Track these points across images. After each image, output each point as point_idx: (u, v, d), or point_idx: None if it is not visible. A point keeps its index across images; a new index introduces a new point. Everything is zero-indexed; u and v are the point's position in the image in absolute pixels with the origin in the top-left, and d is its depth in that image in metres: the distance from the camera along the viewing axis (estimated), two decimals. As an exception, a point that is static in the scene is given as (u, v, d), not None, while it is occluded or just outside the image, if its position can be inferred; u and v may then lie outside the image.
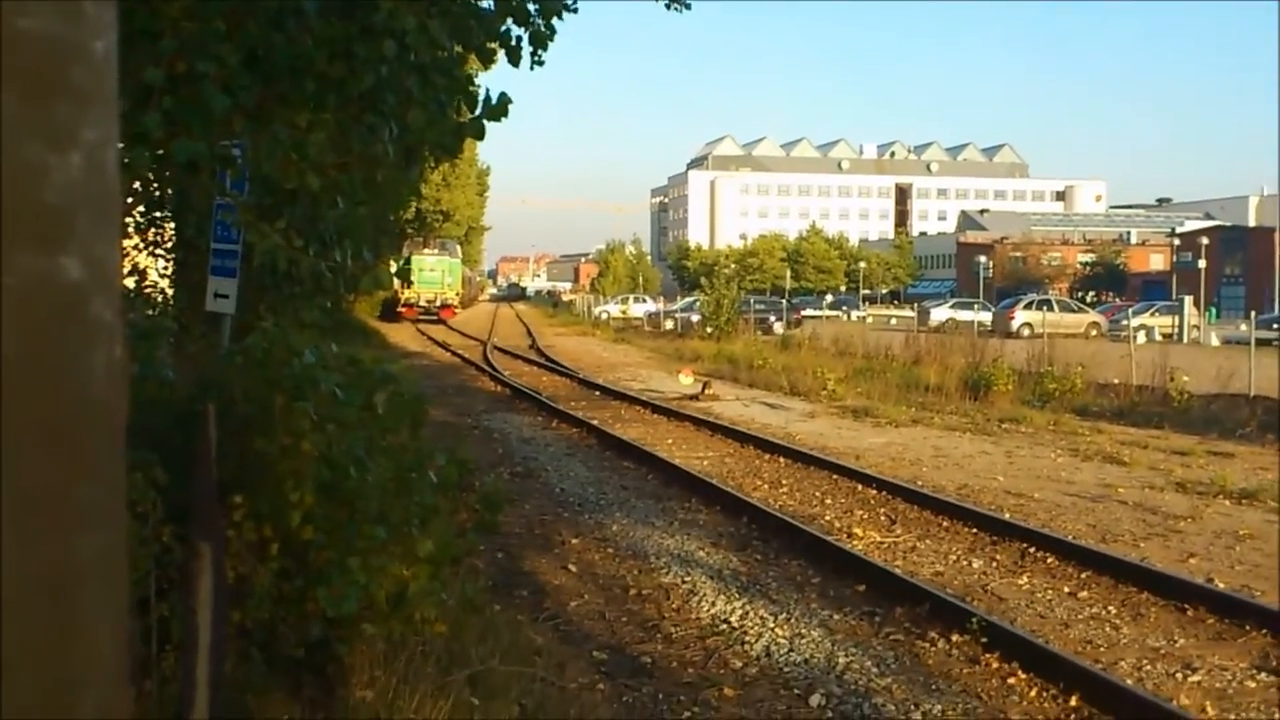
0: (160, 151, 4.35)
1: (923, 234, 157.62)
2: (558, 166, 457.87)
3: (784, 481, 13.95)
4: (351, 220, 7.20)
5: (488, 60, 5.41)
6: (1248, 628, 8.08)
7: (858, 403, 22.55)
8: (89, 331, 0.65)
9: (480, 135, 5.17)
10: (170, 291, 11.51)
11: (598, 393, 24.93)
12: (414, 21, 4.46)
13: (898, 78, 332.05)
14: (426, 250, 59.99)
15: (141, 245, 10.69)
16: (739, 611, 8.49)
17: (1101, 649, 7.78)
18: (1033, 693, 6.86)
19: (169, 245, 11.22)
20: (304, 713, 5.05)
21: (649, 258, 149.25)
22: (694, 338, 43.90)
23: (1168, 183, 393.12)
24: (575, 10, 5.83)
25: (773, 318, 51.56)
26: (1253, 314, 29.19)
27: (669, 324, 56.80)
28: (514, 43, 5.26)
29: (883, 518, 11.87)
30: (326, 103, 4.65)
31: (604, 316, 67.79)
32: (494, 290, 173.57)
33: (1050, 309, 49.47)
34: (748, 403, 23.20)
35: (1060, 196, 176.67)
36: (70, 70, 0.62)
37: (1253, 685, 7.10)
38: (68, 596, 0.67)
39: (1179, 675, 7.26)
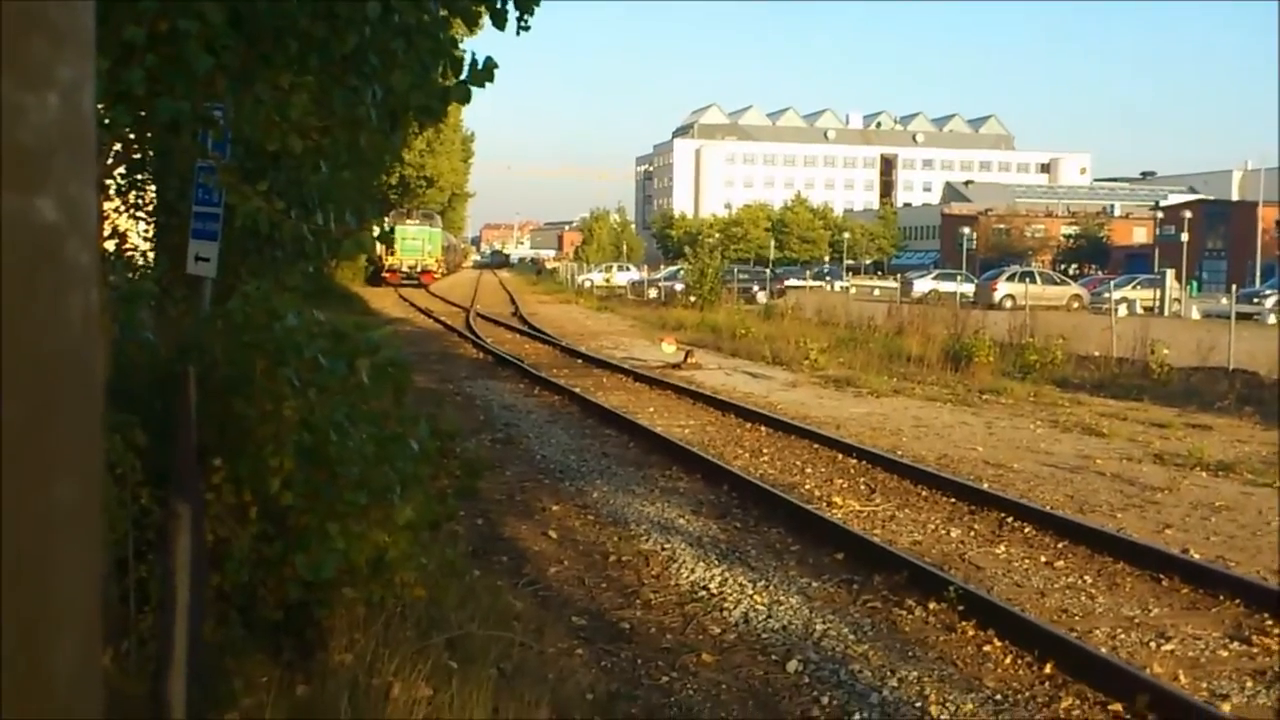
0: (142, 111, 4.31)
1: (907, 205, 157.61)
2: (543, 134, 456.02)
3: (765, 450, 13.99)
4: (334, 184, 7.18)
5: (472, 23, 5.38)
6: (1221, 598, 8.15)
7: (839, 373, 22.60)
8: (65, 274, 0.65)
9: (465, 100, 5.14)
10: (151, 255, 11.44)
11: (580, 360, 24.93)
12: (398, -18, 4.44)
13: (885, 48, 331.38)
14: (409, 221, 63.70)
15: (122, 208, 10.61)
16: (718, 578, 8.53)
17: (1077, 618, 7.85)
18: (1008, 660, 6.92)
19: (150, 208, 11.13)
20: (283, 675, 5.06)
21: (633, 226, 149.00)
22: (677, 307, 43.88)
23: (1152, 156, 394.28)
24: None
25: (756, 287, 51.64)
26: (1234, 288, 29.36)
27: (652, 293, 56.79)
28: (499, 5, 5.23)
29: (862, 487, 11.92)
30: (309, 64, 4.62)
31: (587, 284, 67.80)
32: (477, 257, 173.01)
33: (1033, 281, 49.58)
34: (730, 372, 23.23)
35: (1045, 169, 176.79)
36: (46, 8, 0.62)
37: (1225, 654, 7.18)
38: (42, 544, 0.67)
39: (1152, 644, 7.33)
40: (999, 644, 7.14)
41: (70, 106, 0.64)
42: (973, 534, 10.04)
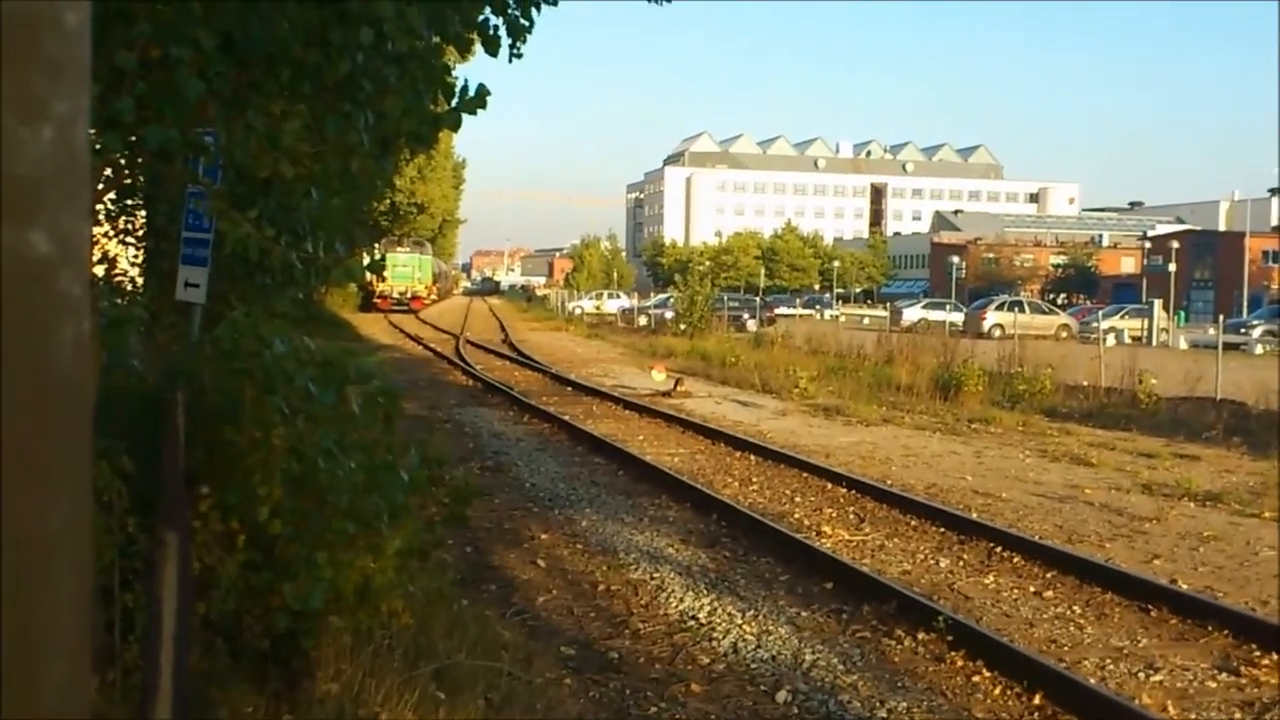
0: (133, 137, 4.31)
1: (897, 234, 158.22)
2: (534, 161, 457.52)
3: (754, 479, 13.98)
4: (325, 211, 7.18)
5: (465, 50, 5.40)
6: (1210, 628, 8.15)
7: (829, 401, 22.62)
8: (57, 306, 0.65)
9: (456, 126, 5.16)
10: (140, 280, 11.43)
11: (570, 388, 24.91)
12: (391, 9, 4.44)
13: (875, 78, 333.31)
14: (400, 248, 65.67)
15: (112, 233, 10.61)
16: (707, 608, 8.51)
17: (1065, 648, 7.84)
18: (997, 691, 6.91)
19: (140, 233, 11.13)
20: (269, 705, 5.02)
21: (624, 254, 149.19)
22: (667, 334, 43.91)
23: (1140, 186, 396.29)
24: (554, 3, 5.81)
25: (746, 315, 51.66)
26: (1221, 318, 29.45)
27: (642, 320, 56.84)
28: (491, 33, 5.25)
29: (851, 516, 11.91)
30: (301, 90, 4.63)
31: (578, 312, 67.88)
32: (467, 284, 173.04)
33: (1021, 310, 49.79)
34: (720, 400, 23.23)
35: (1034, 198, 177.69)
36: (42, 40, 0.62)
37: (1214, 685, 7.17)
38: (37, 565, 0.67)
39: (1141, 675, 7.32)
40: (988, 674, 7.12)
41: (64, 139, 0.64)
42: (962, 563, 10.03)
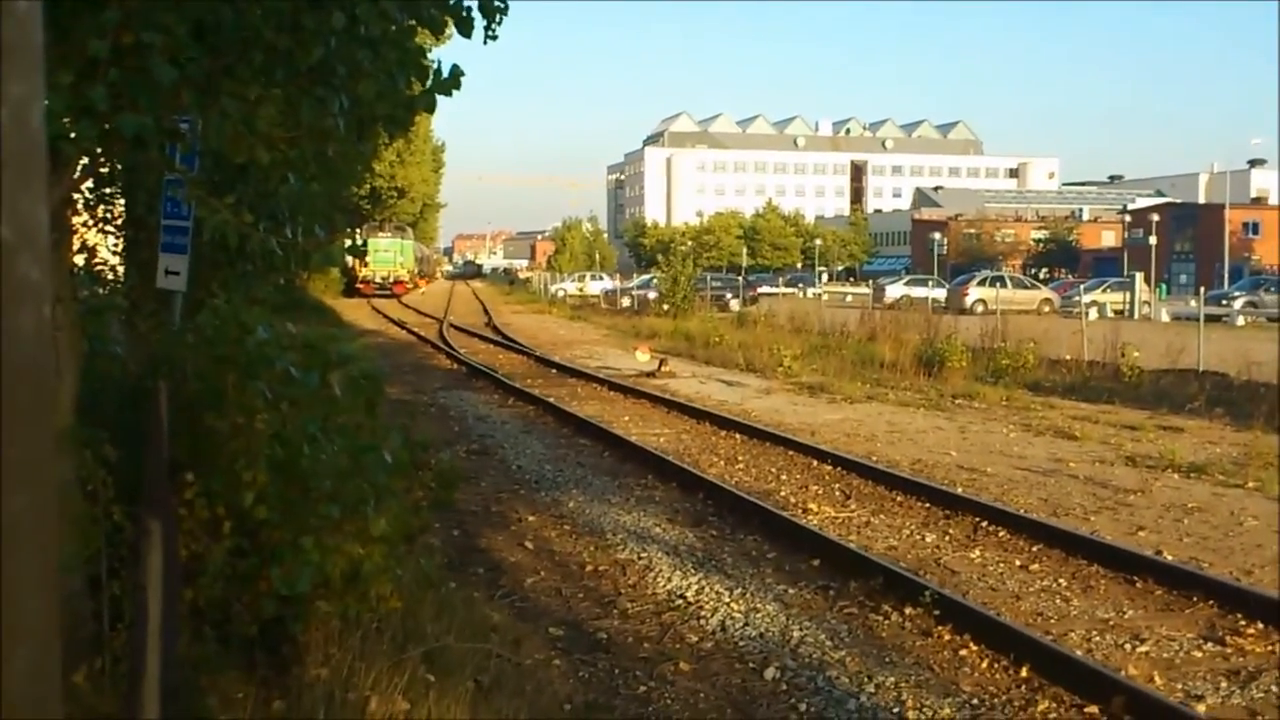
0: (107, 125, 4.28)
1: (878, 211, 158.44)
2: (514, 143, 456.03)
3: (740, 458, 14.00)
4: (304, 196, 7.15)
5: (439, 32, 5.37)
6: (1195, 599, 8.20)
7: (813, 379, 22.65)
8: (16, 291, 0.64)
9: (431, 108, 5.14)
10: (121, 269, 11.36)
11: (554, 370, 24.90)
12: (363, -8, 4.43)
13: (853, 54, 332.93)
14: (381, 232, 66.04)
15: (91, 222, 10.54)
16: (695, 587, 8.53)
17: (1052, 621, 7.88)
18: (984, 664, 6.94)
19: (119, 222, 11.06)
20: (258, 691, 5.02)
21: (606, 235, 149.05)
22: (651, 315, 43.90)
23: (1120, 160, 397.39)
24: (528, -16, 5.78)
25: (729, 295, 51.69)
26: (1202, 290, 29.55)
27: (626, 301, 56.84)
28: (465, 14, 5.22)
29: (837, 493, 11.94)
30: (275, 75, 4.60)
31: (561, 294, 67.86)
32: (449, 268, 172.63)
33: (1003, 285, 49.91)
34: (704, 379, 23.25)
35: (1014, 174, 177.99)
36: (-11, 22, 0.61)
37: (1199, 655, 7.22)
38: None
39: (1128, 646, 7.36)
40: (975, 648, 7.15)
41: (18, 123, 0.63)
42: (948, 538, 10.06)
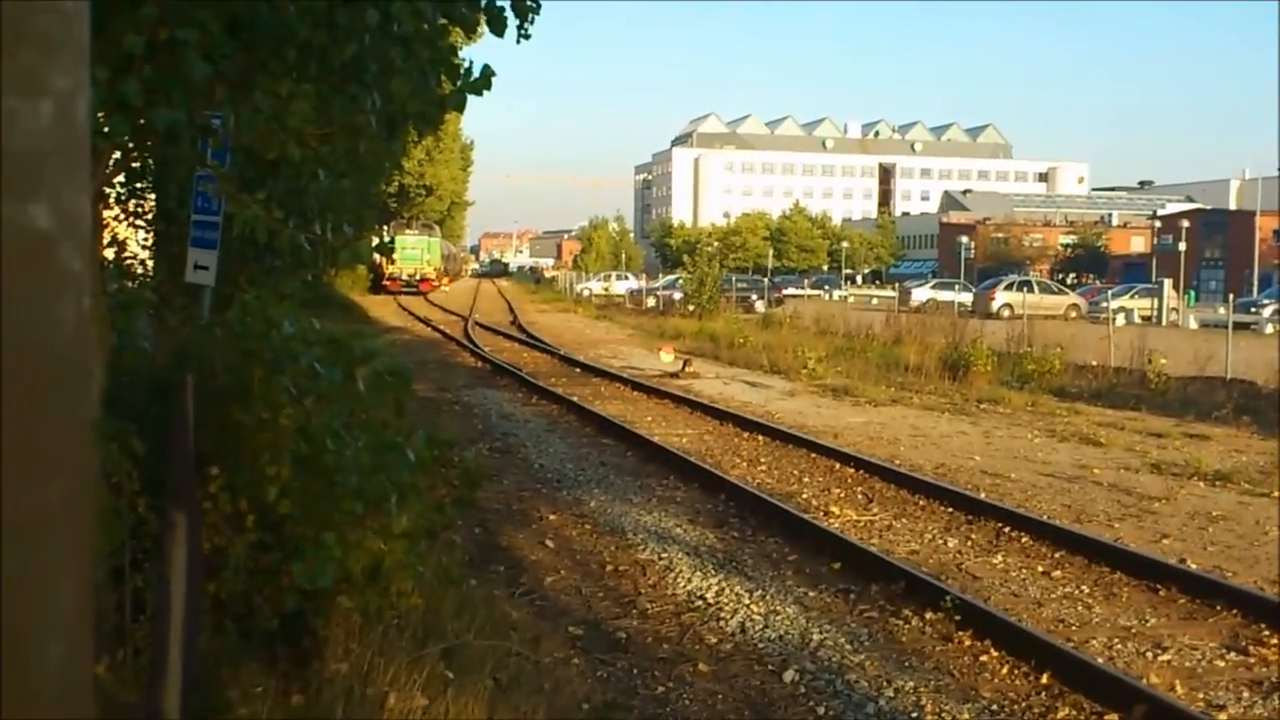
0: (141, 120, 4.32)
1: (905, 214, 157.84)
2: (542, 142, 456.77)
3: (762, 459, 13.99)
4: (334, 193, 7.18)
5: (471, 31, 5.40)
6: (1218, 608, 8.15)
7: (837, 382, 22.60)
8: (57, 280, 0.65)
9: (461, 108, 5.16)
10: (150, 263, 11.44)
11: (578, 369, 24.92)
12: (396, -9, 4.45)
13: (883, 57, 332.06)
14: (409, 230, 65.65)
15: (121, 216, 10.61)
16: (715, 588, 8.53)
17: (1074, 628, 7.85)
18: (1004, 670, 6.92)
19: (149, 216, 11.13)
20: (278, 685, 5.05)
21: (632, 235, 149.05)
22: (675, 315, 43.86)
23: (1150, 165, 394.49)
24: (559, -16, 5.80)
25: (754, 296, 51.59)
26: (1231, 297, 29.37)
27: (651, 301, 56.83)
28: (498, 13, 5.24)
29: (860, 496, 11.92)
30: (308, 72, 4.63)
31: (586, 293, 67.86)
32: (476, 266, 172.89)
33: (1030, 290, 49.65)
34: (728, 381, 23.23)
35: (1043, 178, 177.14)
36: (38, 18, 0.62)
37: (1222, 664, 7.17)
38: (32, 545, 0.67)
39: (1149, 654, 7.33)
40: (996, 654, 7.13)
41: (64, 115, 0.64)
42: (970, 543, 10.03)
